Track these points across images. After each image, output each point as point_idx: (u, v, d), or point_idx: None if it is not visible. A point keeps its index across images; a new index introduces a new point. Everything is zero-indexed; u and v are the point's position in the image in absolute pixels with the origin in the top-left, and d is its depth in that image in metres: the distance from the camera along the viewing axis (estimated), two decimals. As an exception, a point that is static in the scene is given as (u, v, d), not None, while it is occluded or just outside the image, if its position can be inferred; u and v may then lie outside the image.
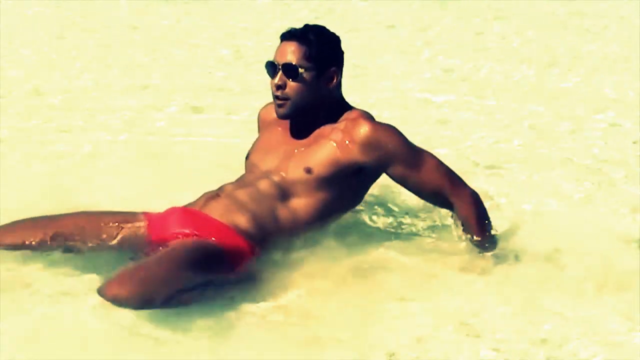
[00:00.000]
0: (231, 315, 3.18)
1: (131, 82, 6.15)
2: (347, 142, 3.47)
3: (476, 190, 3.63)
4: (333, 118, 3.56)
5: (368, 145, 3.46)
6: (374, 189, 3.78)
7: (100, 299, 3.06)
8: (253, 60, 6.67)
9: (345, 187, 3.53)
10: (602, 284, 3.43)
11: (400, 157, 3.48)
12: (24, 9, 8.25)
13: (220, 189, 3.54)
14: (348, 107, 3.60)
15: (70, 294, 3.22)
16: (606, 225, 3.98)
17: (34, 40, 7.27)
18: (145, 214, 3.49)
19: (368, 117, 3.56)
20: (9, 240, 3.38)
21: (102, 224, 3.42)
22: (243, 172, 3.68)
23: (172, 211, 3.48)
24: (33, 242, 3.37)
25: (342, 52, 3.57)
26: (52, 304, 3.18)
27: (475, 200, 3.59)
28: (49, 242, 3.37)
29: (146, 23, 7.92)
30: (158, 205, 3.58)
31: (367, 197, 3.73)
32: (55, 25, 7.78)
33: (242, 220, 3.41)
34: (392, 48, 7.26)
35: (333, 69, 3.51)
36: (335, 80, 3.53)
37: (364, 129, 3.47)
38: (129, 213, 3.49)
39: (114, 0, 8.53)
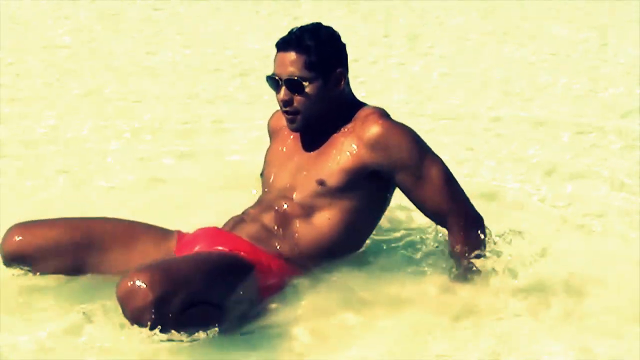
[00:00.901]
0: (257, 344, 3.04)
1: (131, 91, 6.15)
2: (355, 144, 3.28)
3: (482, 211, 3.41)
4: (345, 119, 3.35)
5: (375, 145, 3.26)
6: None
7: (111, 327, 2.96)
8: (250, 68, 6.66)
9: (363, 194, 3.33)
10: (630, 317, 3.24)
11: (407, 164, 3.27)
12: (22, 17, 8.39)
13: (245, 212, 3.42)
14: (360, 105, 3.39)
15: (85, 312, 3.11)
16: (630, 253, 3.77)
17: (32, 50, 7.28)
18: (178, 232, 3.39)
19: (380, 115, 3.33)
20: (36, 243, 3.24)
21: (133, 235, 3.31)
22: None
23: (203, 231, 3.36)
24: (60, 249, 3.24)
25: (344, 46, 3.35)
26: (61, 322, 3.08)
27: (474, 226, 3.36)
28: (73, 244, 3.24)
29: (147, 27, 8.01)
30: (163, 216, 3.51)
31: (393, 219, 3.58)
32: (56, 32, 7.85)
33: (270, 244, 3.28)
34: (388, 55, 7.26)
35: (339, 70, 3.31)
36: (343, 81, 3.33)
37: (372, 129, 3.27)
38: (162, 229, 3.39)
39: (112, 7, 8.51)
